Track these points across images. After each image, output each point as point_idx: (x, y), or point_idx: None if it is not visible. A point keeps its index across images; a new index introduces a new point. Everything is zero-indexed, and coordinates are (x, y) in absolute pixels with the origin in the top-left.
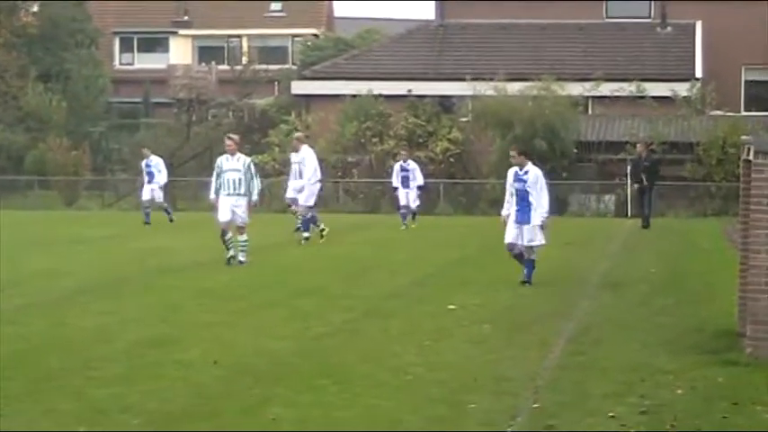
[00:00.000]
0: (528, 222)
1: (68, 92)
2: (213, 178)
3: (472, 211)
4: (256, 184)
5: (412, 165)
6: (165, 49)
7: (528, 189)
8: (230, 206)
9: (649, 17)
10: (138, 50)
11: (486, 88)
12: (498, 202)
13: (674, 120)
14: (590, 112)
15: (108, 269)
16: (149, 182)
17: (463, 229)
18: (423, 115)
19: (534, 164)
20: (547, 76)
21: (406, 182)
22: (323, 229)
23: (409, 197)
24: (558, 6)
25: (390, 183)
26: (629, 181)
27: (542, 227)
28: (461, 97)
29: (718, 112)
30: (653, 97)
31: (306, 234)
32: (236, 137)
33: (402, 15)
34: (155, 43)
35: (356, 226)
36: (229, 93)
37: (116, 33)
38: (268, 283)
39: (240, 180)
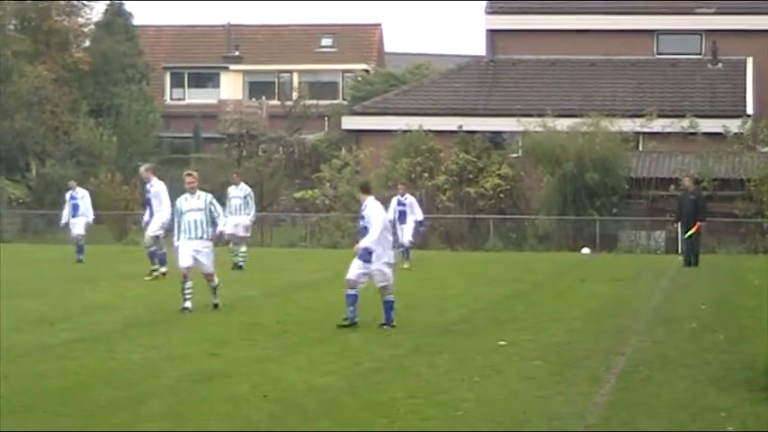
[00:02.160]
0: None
1: (119, 127)
2: (175, 222)
3: (522, 246)
4: (239, 213)
5: (409, 199)
6: (216, 85)
7: (366, 225)
8: (192, 251)
9: (700, 53)
10: (189, 85)
11: (536, 124)
12: (549, 238)
13: (725, 156)
14: (640, 148)
15: (156, 304)
16: (74, 215)
17: (513, 264)
18: (473, 151)
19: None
20: (596, 112)
21: (402, 217)
22: (157, 270)
23: (404, 233)
24: (609, 42)
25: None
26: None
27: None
28: (512, 133)
29: None
30: (704, 133)
31: (154, 268)
32: (195, 173)
33: (452, 51)
34: (205, 78)
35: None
36: (280, 128)
37: (167, 68)
38: (317, 319)
39: (202, 221)
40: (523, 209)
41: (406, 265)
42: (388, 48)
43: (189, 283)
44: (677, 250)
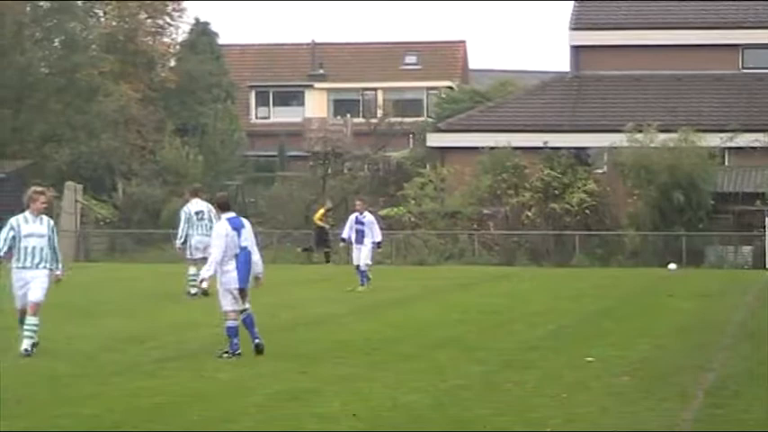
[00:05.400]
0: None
1: (204, 145)
2: (4, 243)
3: (609, 262)
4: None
5: (368, 218)
6: (301, 103)
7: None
8: (26, 282)
9: None
10: (274, 104)
11: (623, 140)
12: (635, 254)
13: None
14: (726, 163)
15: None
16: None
17: (599, 280)
18: (558, 167)
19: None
20: (686, 127)
21: (360, 237)
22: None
23: (361, 255)
24: (694, 57)
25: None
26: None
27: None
28: (597, 149)
29: None
30: None
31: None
32: (44, 189)
33: (536, 67)
34: (290, 97)
35: (492, 277)
36: (364, 145)
37: (252, 87)
38: (404, 336)
39: (43, 249)
40: (609, 224)
41: (360, 288)
42: (472, 65)
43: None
44: (764, 265)
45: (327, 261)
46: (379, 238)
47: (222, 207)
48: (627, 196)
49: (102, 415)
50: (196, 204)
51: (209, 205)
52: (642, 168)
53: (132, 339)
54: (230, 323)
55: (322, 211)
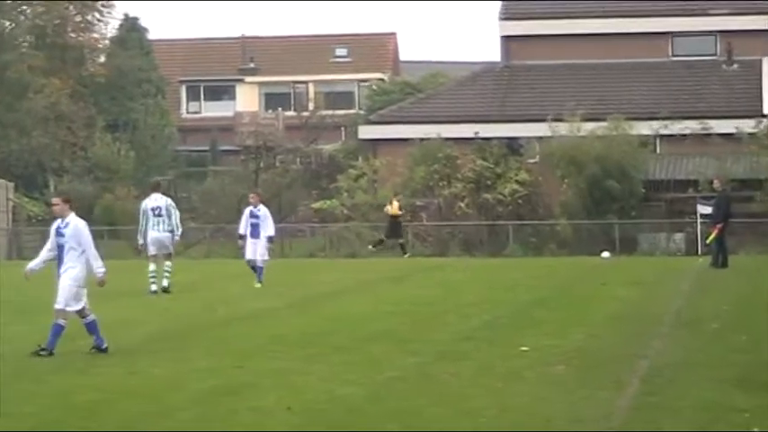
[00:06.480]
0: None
1: (136, 141)
2: None
3: (542, 251)
4: None
5: (263, 211)
6: (232, 97)
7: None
8: None
9: (715, 54)
10: (205, 98)
11: (556, 129)
12: (568, 243)
13: (743, 157)
14: (657, 150)
15: (178, 318)
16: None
17: (533, 269)
18: (490, 157)
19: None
20: (616, 115)
21: (255, 231)
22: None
23: (257, 249)
24: (624, 45)
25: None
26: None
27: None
28: (528, 138)
29: None
30: (720, 135)
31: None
32: None
33: (467, 58)
34: (221, 91)
35: (425, 268)
36: (296, 139)
37: (182, 82)
38: (338, 329)
39: None
40: (542, 214)
41: (257, 285)
42: (403, 56)
43: None
44: (697, 252)
45: (404, 253)
46: (272, 232)
47: (66, 200)
48: (559, 185)
49: (41, 413)
50: (154, 200)
51: (168, 200)
52: (571, 158)
53: (63, 337)
54: (88, 319)
55: (396, 203)
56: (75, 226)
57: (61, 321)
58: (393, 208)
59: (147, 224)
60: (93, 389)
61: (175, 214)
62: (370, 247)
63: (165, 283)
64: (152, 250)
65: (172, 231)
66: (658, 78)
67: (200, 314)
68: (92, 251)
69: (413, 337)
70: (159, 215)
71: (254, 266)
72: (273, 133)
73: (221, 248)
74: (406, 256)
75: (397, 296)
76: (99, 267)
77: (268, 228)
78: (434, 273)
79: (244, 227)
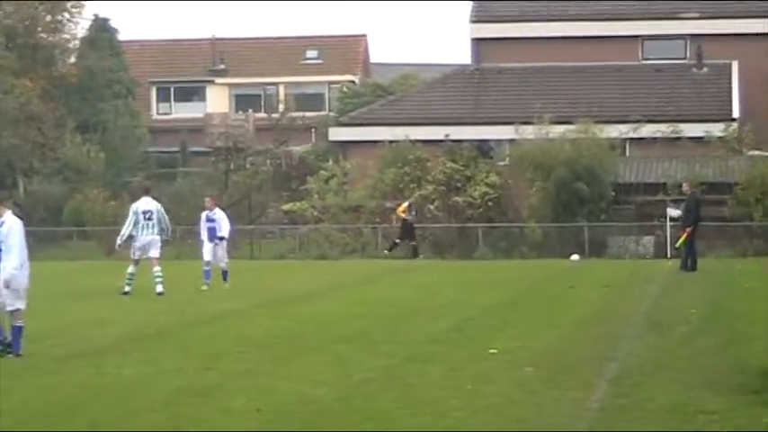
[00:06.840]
0: None
1: (106, 142)
2: None
3: (512, 254)
4: None
5: (219, 214)
6: (202, 98)
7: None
8: None
9: (685, 58)
10: (175, 100)
11: (523, 132)
12: (538, 246)
13: (712, 160)
14: (627, 153)
15: (147, 319)
16: None
17: (502, 272)
18: (460, 160)
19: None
20: (586, 118)
21: (212, 234)
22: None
23: (217, 253)
24: (594, 48)
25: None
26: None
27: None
28: (499, 141)
29: (757, 152)
30: (690, 138)
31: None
32: None
33: (438, 60)
34: (191, 92)
35: (395, 271)
36: (266, 140)
37: (153, 83)
38: (308, 330)
39: None
40: (512, 217)
41: (226, 286)
42: (373, 58)
43: None
44: (666, 255)
45: (416, 255)
46: (225, 234)
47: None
48: (528, 188)
49: (11, 412)
50: (145, 203)
51: (158, 204)
52: (543, 161)
53: (32, 338)
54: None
55: (405, 204)
56: (9, 226)
57: (17, 323)
58: (402, 209)
59: (135, 226)
60: (61, 389)
61: (165, 218)
62: (385, 252)
63: (159, 288)
64: (137, 254)
65: (160, 234)
66: (628, 81)
67: (169, 315)
68: (14, 249)
69: (382, 339)
70: (150, 219)
71: (208, 270)
72: (244, 135)
73: (191, 250)
74: (420, 257)
75: (367, 298)
76: (11, 266)
77: (223, 229)
78: (405, 275)
79: (203, 232)
